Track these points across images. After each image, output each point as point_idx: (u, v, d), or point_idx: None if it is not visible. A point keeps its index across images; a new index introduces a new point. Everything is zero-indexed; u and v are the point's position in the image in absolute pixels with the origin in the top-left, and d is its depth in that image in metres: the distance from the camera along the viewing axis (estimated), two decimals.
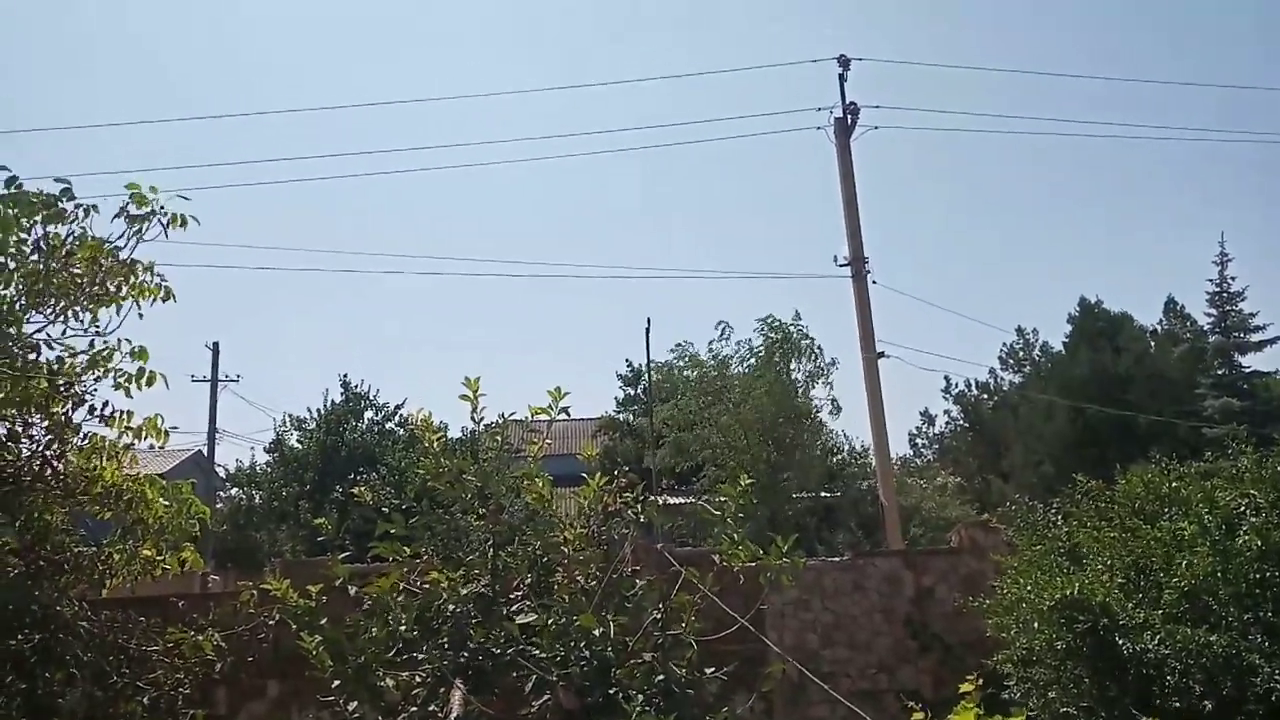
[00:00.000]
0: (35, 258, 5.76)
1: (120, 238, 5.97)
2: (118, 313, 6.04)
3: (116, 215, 5.91)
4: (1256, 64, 60.65)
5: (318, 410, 33.40)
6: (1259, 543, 6.49)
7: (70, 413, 6.15)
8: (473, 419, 4.98)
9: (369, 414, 34.06)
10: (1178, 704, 6.27)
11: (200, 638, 6.26)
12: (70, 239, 5.84)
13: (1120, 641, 6.59)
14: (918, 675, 11.30)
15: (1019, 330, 35.83)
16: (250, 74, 64.25)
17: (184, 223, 6.03)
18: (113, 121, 62.41)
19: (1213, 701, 6.17)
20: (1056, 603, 6.94)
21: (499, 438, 5.01)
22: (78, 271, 5.82)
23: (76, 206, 5.87)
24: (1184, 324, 32.22)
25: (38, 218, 5.75)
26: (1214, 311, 28.81)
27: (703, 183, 67.84)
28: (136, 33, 64.89)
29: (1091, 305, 31.82)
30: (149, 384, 6.16)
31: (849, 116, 18.51)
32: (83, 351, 6.02)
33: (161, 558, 6.47)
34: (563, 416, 5.04)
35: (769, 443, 23.27)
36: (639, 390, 35.45)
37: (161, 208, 5.96)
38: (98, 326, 6.05)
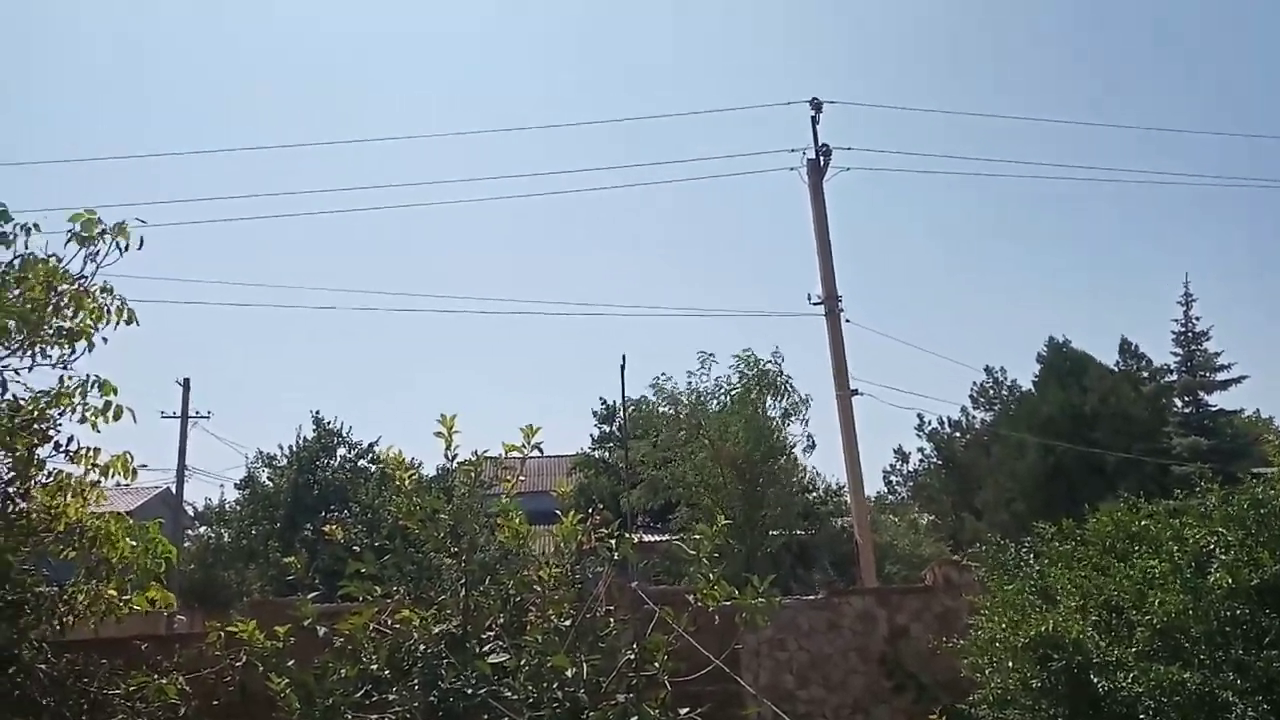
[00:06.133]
0: None
1: (72, 260, 5.88)
2: (88, 347, 5.97)
3: (69, 240, 5.83)
4: (1220, 109, 62.32)
5: (289, 447, 33.01)
6: (1229, 581, 6.53)
7: (35, 448, 6.04)
8: (447, 456, 4.95)
9: (342, 451, 33.66)
10: None
11: (164, 681, 6.11)
12: (17, 260, 5.75)
13: (1095, 680, 6.59)
14: (893, 715, 11.22)
15: (988, 369, 36.29)
16: (237, 105, 64.30)
17: (134, 245, 5.93)
18: (75, 158, 61.91)
19: None
20: (1030, 641, 6.93)
21: (472, 474, 4.97)
22: (35, 295, 5.72)
23: (18, 227, 5.79)
24: (1139, 363, 32.60)
25: None
26: (1179, 351, 29.21)
27: (681, 221, 68.43)
28: (98, 62, 64.87)
29: (1059, 345, 32.24)
30: (116, 418, 6.07)
31: (821, 158, 18.75)
32: (46, 390, 5.91)
33: (128, 597, 6.34)
34: (536, 453, 5.02)
35: (746, 479, 23.22)
36: (614, 427, 35.36)
37: (113, 227, 5.88)
38: (65, 360, 5.96)
